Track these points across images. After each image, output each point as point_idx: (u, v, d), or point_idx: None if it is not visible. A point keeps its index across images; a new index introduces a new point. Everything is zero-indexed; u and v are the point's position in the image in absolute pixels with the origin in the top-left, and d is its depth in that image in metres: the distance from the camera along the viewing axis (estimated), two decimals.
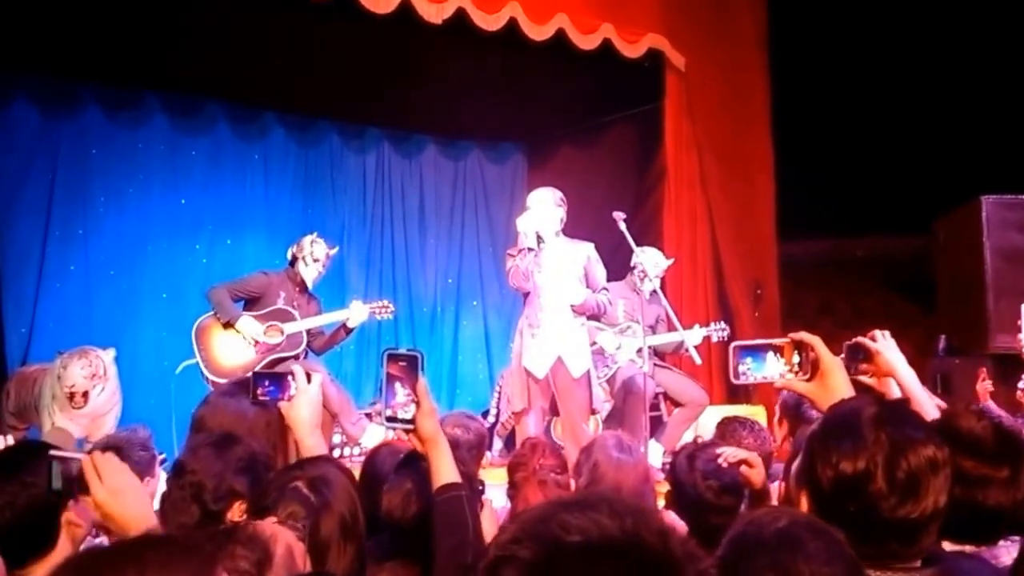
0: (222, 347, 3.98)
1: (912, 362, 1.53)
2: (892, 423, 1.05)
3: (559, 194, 3.57)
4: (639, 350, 3.86)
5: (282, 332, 4.01)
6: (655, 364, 4.14)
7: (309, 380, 1.59)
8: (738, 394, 4.61)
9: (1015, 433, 1.35)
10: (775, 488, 1.76)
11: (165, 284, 5.00)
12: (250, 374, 1.69)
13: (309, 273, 4.07)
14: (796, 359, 1.33)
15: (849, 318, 5.92)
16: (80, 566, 0.73)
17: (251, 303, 4.06)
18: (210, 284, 4.12)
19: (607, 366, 4.17)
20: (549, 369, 3.41)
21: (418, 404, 1.35)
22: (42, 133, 4.76)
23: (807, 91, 5.60)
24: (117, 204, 4.96)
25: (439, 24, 4.16)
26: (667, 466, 3.02)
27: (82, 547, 1.47)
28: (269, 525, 1.12)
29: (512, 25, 4.34)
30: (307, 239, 4.11)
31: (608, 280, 4.35)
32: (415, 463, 1.47)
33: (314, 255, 4.06)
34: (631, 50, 4.75)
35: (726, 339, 4.31)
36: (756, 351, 1.36)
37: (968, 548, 1.26)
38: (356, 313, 4.05)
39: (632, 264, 4.14)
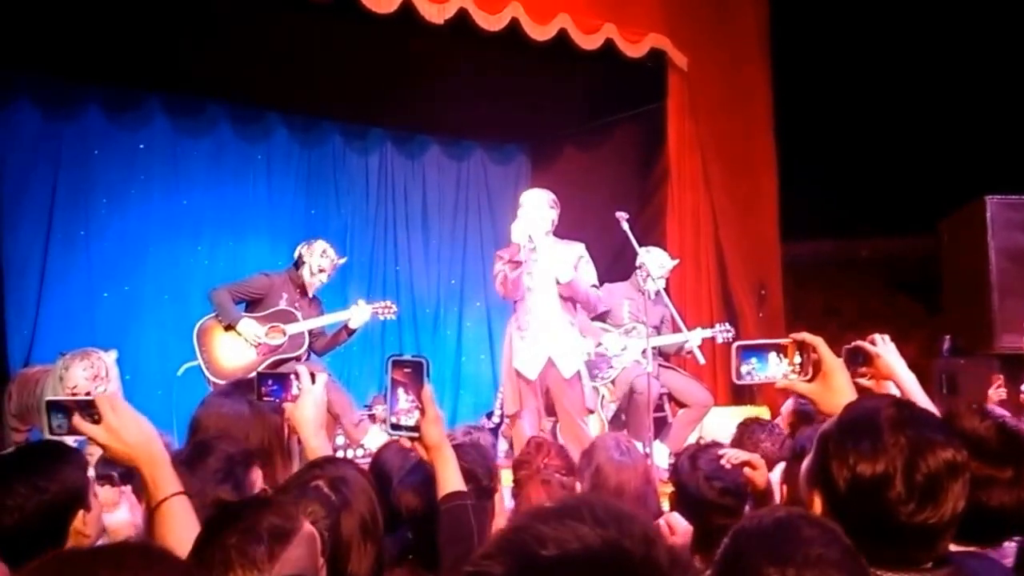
0: (224, 348, 3.97)
1: (917, 362, 1.52)
2: (912, 425, 1.02)
3: (552, 196, 3.56)
4: (643, 351, 3.84)
5: (284, 333, 4.00)
6: (660, 365, 4.12)
7: (313, 380, 1.58)
8: (743, 395, 4.59)
9: (1018, 433, 1.34)
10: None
11: (167, 285, 5.00)
12: (253, 374, 1.68)
13: (311, 282, 4.05)
14: (798, 360, 1.32)
15: (854, 318, 5.90)
16: (61, 564, 0.72)
17: (253, 304, 4.06)
18: (212, 285, 4.11)
19: (611, 367, 4.15)
20: (540, 370, 3.39)
21: (423, 411, 1.34)
22: (44, 134, 4.76)
23: (811, 90, 5.58)
24: (119, 205, 4.96)
25: (441, 24, 4.15)
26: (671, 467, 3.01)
27: None
28: (298, 506, 1.12)
29: (514, 25, 4.33)
30: (318, 247, 4.06)
31: (613, 281, 4.36)
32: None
33: (320, 266, 4.02)
34: (633, 50, 4.75)
35: (731, 340, 4.29)
36: (758, 351, 1.35)
37: (973, 549, 1.24)
38: (358, 314, 4.04)
39: (637, 264, 4.12)
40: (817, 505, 1.06)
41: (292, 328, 4.00)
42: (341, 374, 4.83)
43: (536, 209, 3.47)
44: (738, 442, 2.33)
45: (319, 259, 4.03)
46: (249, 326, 3.94)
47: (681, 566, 0.58)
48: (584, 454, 2.16)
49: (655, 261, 4.13)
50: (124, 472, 1.78)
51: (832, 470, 1.03)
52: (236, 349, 3.97)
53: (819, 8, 5.55)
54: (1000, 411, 1.56)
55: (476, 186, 6.12)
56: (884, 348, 1.49)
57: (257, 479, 1.44)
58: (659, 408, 4.14)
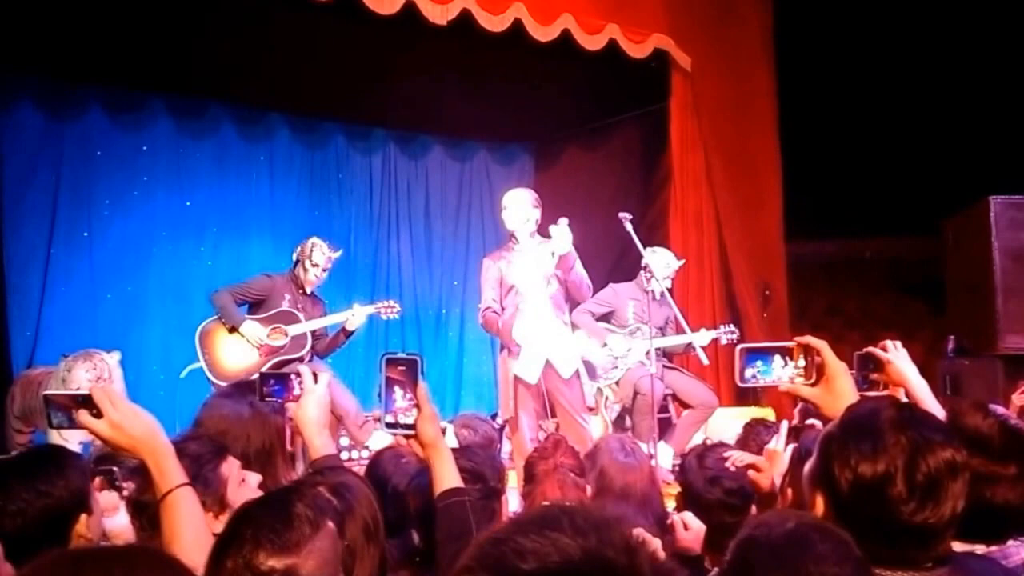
0: (226, 350, 3.97)
1: (921, 363, 1.52)
2: (912, 426, 1.03)
3: (535, 195, 3.56)
4: (648, 352, 3.83)
5: (286, 334, 4.00)
6: (664, 366, 4.11)
7: (316, 380, 1.58)
8: (747, 396, 4.58)
9: (1021, 431, 1.34)
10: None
11: (170, 286, 5.00)
12: (255, 375, 1.68)
13: (308, 278, 4.05)
14: (802, 363, 1.32)
15: (858, 319, 5.89)
16: (75, 560, 0.72)
17: (255, 306, 4.05)
18: (215, 286, 4.11)
19: (615, 367, 4.14)
20: (539, 374, 3.38)
21: (419, 408, 1.33)
22: (47, 135, 4.76)
23: (815, 90, 5.57)
24: (122, 206, 4.96)
25: (444, 25, 4.15)
26: (677, 468, 3.01)
27: None
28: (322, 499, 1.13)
29: (517, 26, 4.33)
30: (308, 242, 4.07)
31: (617, 281, 4.35)
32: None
33: (313, 260, 4.02)
34: (637, 50, 4.74)
35: (735, 341, 4.28)
36: (762, 354, 1.35)
37: (978, 548, 1.25)
38: (356, 316, 4.03)
39: (642, 265, 4.12)
40: (819, 506, 1.07)
41: (294, 329, 4.00)
42: (344, 375, 4.83)
43: (520, 207, 3.45)
44: (743, 443, 2.33)
45: (313, 256, 4.03)
46: (252, 328, 3.94)
47: (663, 574, 0.57)
48: (588, 456, 2.16)
49: (660, 262, 4.12)
50: (130, 467, 1.78)
51: (834, 471, 1.03)
52: (239, 351, 3.96)
53: (823, 7, 5.53)
54: (1003, 410, 1.56)
55: (479, 186, 6.11)
56: (895, 354, 1.49)
57: (229, 470, 1.43)
58: (663, 409, 4.13)
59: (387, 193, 5.87)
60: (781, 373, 1.33)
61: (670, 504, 2.19)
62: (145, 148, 5.06)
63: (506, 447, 4.32)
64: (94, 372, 3.36)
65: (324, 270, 4.08)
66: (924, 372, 1.52)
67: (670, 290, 4.13)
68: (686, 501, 1.90)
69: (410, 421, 1.34)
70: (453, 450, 1.87)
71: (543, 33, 4.42)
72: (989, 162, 5.21)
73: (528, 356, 3.38)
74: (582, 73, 4.89)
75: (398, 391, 1.34)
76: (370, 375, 5.43)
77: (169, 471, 1.17)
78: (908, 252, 6.04)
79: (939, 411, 1.49)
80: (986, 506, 1.24)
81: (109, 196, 4.94)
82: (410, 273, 5.89)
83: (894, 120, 5.70)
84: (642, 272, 4.18)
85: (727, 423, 3.95)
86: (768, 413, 4.08)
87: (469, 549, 0.60)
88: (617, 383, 4.13)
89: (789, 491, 1.73)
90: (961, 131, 5.51)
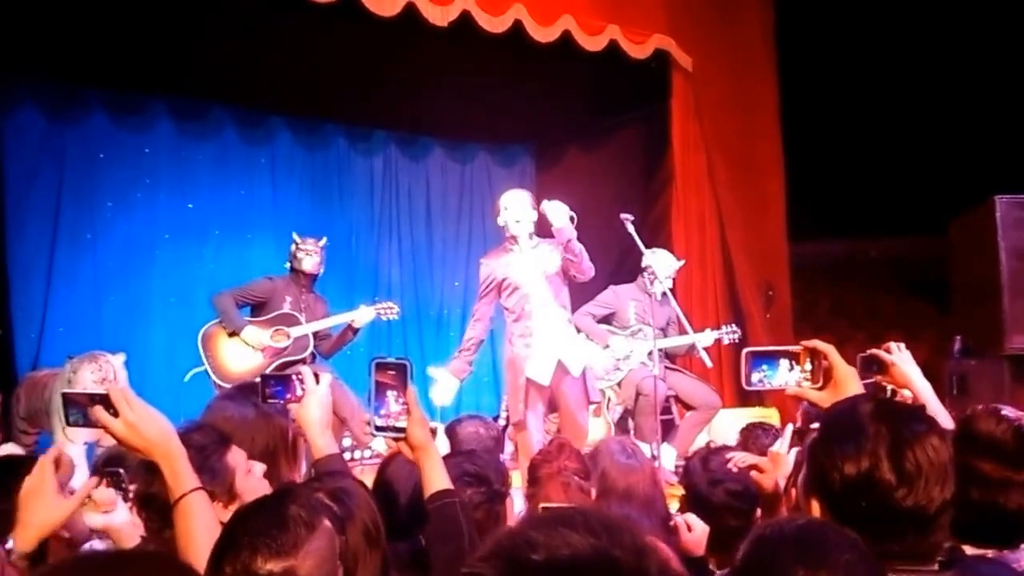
0: (230, 353, 3.98)
1: (927, 363, 1.52)
2: (890, 416, 1.05)
3: (532, 196, 3.54)
4: (650, 353, 3.82)
5: (288, 336, 4.01)
6: (666, 367, 4.10)
7: (317, 381, 1.58)
8: (750, 397, 4.56)
9: None
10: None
11: (173, 288, 5.01)
12: (257, 378, 1.68)
13: (308, 263, 4.07)
14: (809, 367, 1.32)
15: (863, 319, 5.85)
16: (90, 566, 0.72)
17: (257, 308, 4.06)
18: (218, 288, 4.12)
19: (617, 369, 4.13)
20: (552, 374, 3.37)
21: (408, 412, 1.35)
22: (49, 138, 4.78)
23: (817, 90, 5.55)
24: (125, 209, 4.97)
25: (444, 26, 4.15)
26: (680, 470, 3.00)
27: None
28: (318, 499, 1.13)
29: (517, 27, 4.33)
30: (293, 244, 4.15)
31: (619, 282, 4.34)
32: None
33: (304, 248, 4.08)
34: (637, 51, 4.73)
35: (737, 341, 4.26)
36: (769, 358, 1.35)
37: (990, 552, 1.25)
38: (361, 314, 4.05)
39: (643, 266, 4.10)
40: (816, 511, 1.08)
41: (296, 331, 4.01)
42: (347, 377, 4.83)
43: (521, 206, 3.44)
44: (742, 446, 2.33)
45: (303, 244, 4.08)
46: (253, 332, 3.95)
47: None
48: (589, 458, 2.14)
49: (662, 263, 4.11)
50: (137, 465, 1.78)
51: (824, 474, 1.05)
52: (242, 353, 3.97)
53: (826, 7, 5.52)
54: (1016, 413, 1.55)
55: (480, 188, 6.11)
56: (899, 356, 1.49)
57: (235, 459, 1.43)
58: (666, 410, 4.11)
59: (388, 195, 5.87)
60: (788, 377, 1.33)
61: (673, 506, 2.18)
62: (147, 150, 5.07)
63: (507, 448, 4.31)
64: (99, 374, 3.37)
65: (316, 254, 4.11)
66: (930, 372, 1.52)
67: (672, 291, 4.11)
68: (690, 503, 1.89)
69: (402, 425, 1.36)
70: (458, 453, 1.87)
71: (543, 34, 4.42)
72: (994, 161, 5.19)
73: (540, 357, 3.36)
74: (583, 74, 4.89)
75: (391, 395, 1.36)
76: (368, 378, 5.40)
77: (182, 475, 1.18)
78: (913, 252, 6.01)
79: (943, 413, 1.48)
80: (1000, 512, 1.24)
81: (112, 198, 4.95)
82: (411, 274, 5.89)
83: (898, 119, 5.68)
84: (643, 273, 4.17)
85: (730, 424, 3.93)
86: (772, 414, 4.07)
87: (487, 541, 0.63)
88: (619, 384, 4.12)
89: (793, 492, 1.73)
90: (966, 130, 5.49)
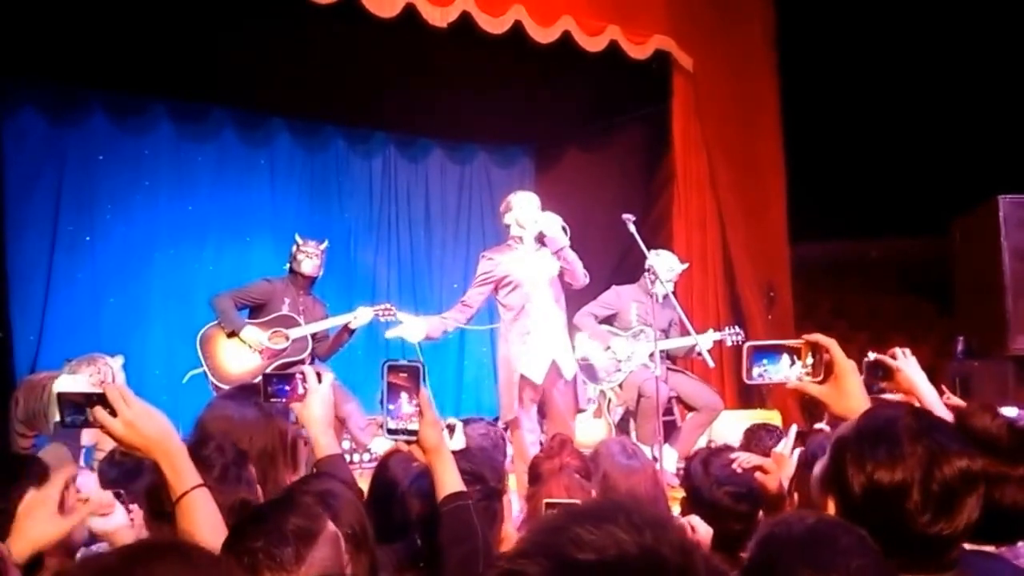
0: (228, 354, 3.97)
1: (930, 364, 1.51)
2: (929, 435, 1.03)
3: (539, 200, 3.55)
4: (652, 354, 3.80)
5: (287, 338, 4.00)
6: (668, 368, 4.08)
7: (319, 380, 1.57)
8: (752, 399, 4.54)
9: None
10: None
11: (173, 290, 5.00)
12: (259, 378, 1.67)
13: (308, 266, 4.06)
14: (810, 361, 1.31)
15: (864, 320, 5.83)
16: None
17: (255, 310, 4.05)
18: (217, 290, 4.10)
19: (619, 370, 4.11)
20: (546, 373, 3.36)
21: (421, 414, 1.34)
22: (49, 140, 4.78)
23: (818, 90, 5.53)
24: (124, 211, 4.97)
25: (444, 27, 4.14)
26: (682, 472, 2.97)
27: (78, 556, 1.44)
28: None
29: (517, 27, 4.32)
30: (294, 246, 4.13)
31: (620, 283, 4.32)
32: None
33: (303, 250, 4.07)
34: (638, 51, 4.72)
35: (740, 342, 4.24)
36: (770, 352, 1.34)
37: (987, 548, 1.25)
38: (360, 316, 4.04)
39: (646, 267, 4.09)
40: (830, 508, 1.06)
41: (294, 332, 4.00)
42: (346, 379, 4.82)
43: (531, 207, 3.44)
44: (745, 448, 2.31)
45: (303, 247, 4.07)
46: (252, 332, 3.94)
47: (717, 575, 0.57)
48: (589, 459, 2.13)
49: (664, 264, 4.09)
50: (133, 474, 1.76)
51: (848, 475, 1.03)
52: (241, 355, 3.96)
53: (827, 7, 5.50)
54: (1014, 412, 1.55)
55: (479, 189, 6.10)
56: (905, 362, 1.49)
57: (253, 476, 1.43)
58: (668, 412, 4.09)
59: (387, 196, 5.86)
60: (789, 371, 1.32)
61: (675, 508, 2.16)
62: (147, 152, 5.07)
63: (508, 451, 4.29)
64: (98, 376, 3.35)
65: (317, 257, 4.10)
66: (933, 374, 1.52)
67: (673, 292, 4.10)
68: (692, 505, 1.87)
69: (415, 427, 1.35)
70: (453, 452, 1.85)
71: (543, 35, 4.40)
72: (997, 160, 5.16)
73: (535, 355, 3.35)
74: (583, 75, 4.87)
75: (404, 397, 1.35)
76: (370, 378, 5.38)
77: (183, 472, 1.16)
78: (915, 252, 5.99)
79: (949, 419, 1.47)
80: (995, 508, 1.22)
81: (111, 201, 4.95)
82: (410, 276, 5.88)
83: (900, 118, 5.66)
84: (645, 274, 4.15)
85: (732, 426, 3.91)
86: (774, 416, 4.04)
87: (525, 535, 0.60)
88: (621, 386, 4.10)
89: (796, 495, 1.71)
90: (968, 129, 5.46)
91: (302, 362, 3.93)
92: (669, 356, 4.19)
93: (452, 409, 5.40)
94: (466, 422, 2.39)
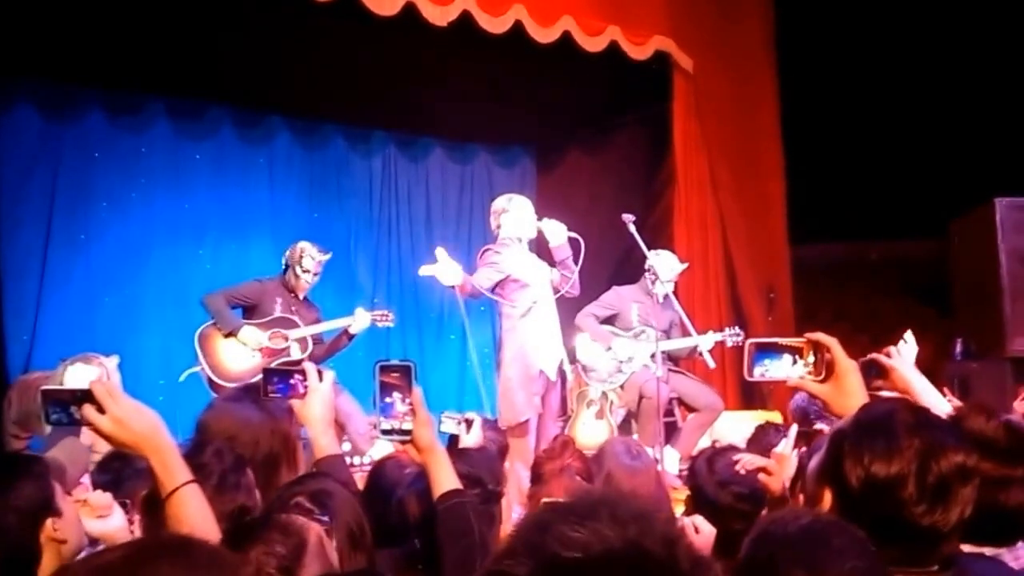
0: (228, 352, 3.93)
1: (929, 366, 1.52)
2: (925, 428, 1.05)
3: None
4: (653, 355, 3.79)
5: (286, 339, 3.97)
6: (669, 369, 4.07)
7: (321, 378, 1.56)
8: (754, 399, 4.54)
9: None
10: None
11: (169, 290, 4.95)
12: (259, 375, 1.65)
13: (300, 284, 4.01)
14: (812, 360, 1.32)
15: (864, 322, 5.83)
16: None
17: (248, 311, 4.02)
18: (214, 290, 4.07)
19: (620, 371, 4.10)
20: (557, 370, 3.37)
21: (414, 413, 1.34)
22: (44, 137, 4.72)
23: (818, 92, 5.54)
24: (120, 209, 4.92)
25: (444, 26, 4.13)
26: (683, 472, 2.96)
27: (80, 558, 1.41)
28: (299, 517, 1.11)
29: (517, 27, 4.31)
30: (297, 248, 4.03)
31: (621, 283, 4.31)
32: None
33: (303, 266, 3.98)
34: (638, 52, 4.72)
35: (740, 343, 4.23)
36: (772, 350, 1.34)
37: (987, 550, 1.26)
38: (359, 320, 4.01)
39: (646, 267, 4.08)
40: (827, 501, 1.07)
41: (293, 334, 3.97)
42: (345, 381, 4.79)
43: (530, 215, 3.45)
44: (754, 447, 2.30)
45: (303, 262, 3.99)
46: (251, 333, 3.91)
47: (703, 566, 0.58)
48: (593, 460, 2.12)
49: (664, 265, 4.08)
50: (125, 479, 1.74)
51: (845, 468, 1.04)
52: (240, 353, 3.93)
53: (826, 9, 5.51)
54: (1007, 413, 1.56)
55: (480, 189, 6.07)
56: (899, 361, 1.50)
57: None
58: (669, 413, 4.08)
59: (387, 196, 5.83)
60: (790, 370, 1.32)
61: (678, 508, 2.15)
62: (143, 150, 5.02)
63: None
64: (92, 376, 3.33)
65: (315, 275, 4.04)
66: (932, 375, 1.54)
67: (674, 293, 4.09)
68: (696, 505, 1.87)
69: (409, 427, 1.34)
70: (450, 453, 1.84)
71: (543, 35, 4.40)
72: (995, 162, 5.17)
73: (547, 351, 3.34)
74: (583, 75, 4.87)
75: (396, 396, 1.35)
76: (371, 382, 5.35)
77: (174, 468, 1.14)
78: (915, 254, 6.00)
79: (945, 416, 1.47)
80: (999, 510, 1.24)
81: (107, 199, 4.90)
82: (411, 276, 5.84)
83: (899, 121, 5.66)
84: (646, 274, 4.14)
85: (733, 426, 3.90)
86: (775, 417, 4.03)
87: (511, 534, 0.60)
88: (622, 387, 4.09)
89: (801, 497, 1.70)
90: (967, 131, 5.48)
91: (300, 363, 3.90)
92: (670, 357, 4.18)
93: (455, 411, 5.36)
94: (482, 417, 2.38)
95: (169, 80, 4.76)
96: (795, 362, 1.32)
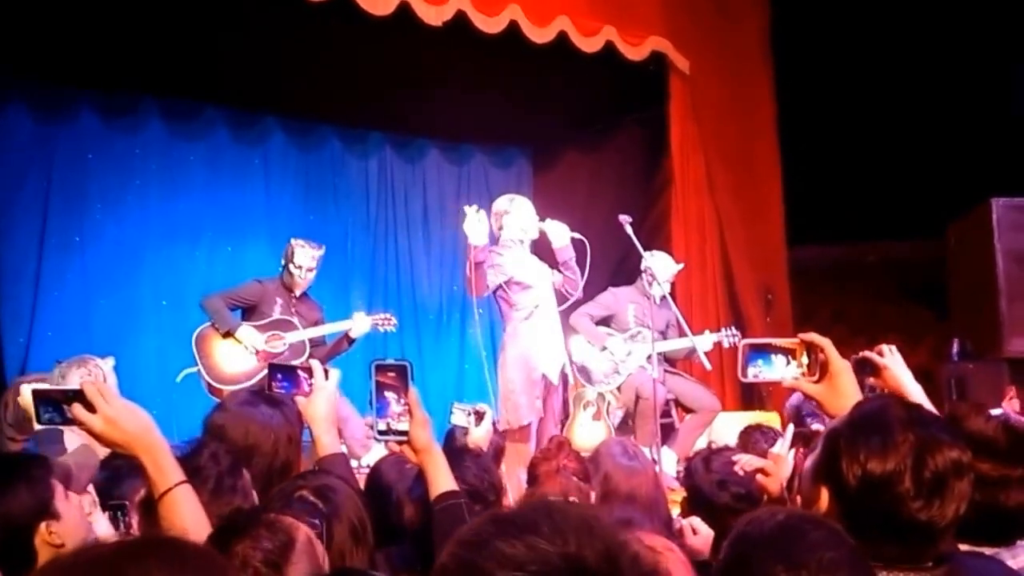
0: (224, 354, 3.92)
1: (926, 367, 1.52)
2: (920, 424, 1.05)
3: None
4: (649, 356, 3.79)
5: (284, 341, 3.96)
6: (666, 370, 4.07)
7: (327, 377, 1.55)
8: (751, 400, 4.54)
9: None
10: None
11: (164, 291, 4.94)
12: (259, 376, 1.64)
13: (296, 281, 3.99)
14: (806, 360, 1.33)
15: (862, 323, 5.84)
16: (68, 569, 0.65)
17: (248, 312, 4.00)
18: (210, 291, 4.05)
19: (616, 372, 4.10)
20: (560, 373, 3.36)
21: (410, 414, 1.34)
22: (38, 139, 4.71)
23: (815, 94, 5.54)
24: (115, 210, 4.91)
25: (439, 26, 4.13)
26: (681, 473, 2.95)
27: None
28: (288, 517, 1.10)
29: (513, 27, 4.31)
30: (289, 246, 4.01)
31: (618, 285, 4.31)
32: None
33: (296, 263, 3.96)
34: (634, 52, 4.72)
35: (736, 344, 4.23)
36: (766, 351, 1.35)
37: (987, 550, 1.26)
38: (358, 324, 4.00)
39: (643, 268, 4.07)
40: (824, 500, 1.07)
41: (291, 336, 3.96)
42: (344, 384, 4.77)
43: (531, 216, 3.44)
44: (741, 449, 2.30)
45: (296, 259, 3.97)
46: (249, 333, 3.89)
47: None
48: (589, 461, 2.11)
49: (660, 265, 4.08)
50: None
51: (842, 466, 1.04)
52: (237, 354, 3.91)
53: (822, 11, 5.52)
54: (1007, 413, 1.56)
55: (477, 190, 6.05)
56: (891, 359, 1.50)
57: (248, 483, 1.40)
58: (666, 414, 4.08)
59: (384, 197, 5.82)
60: (784, 371, 1.33)
61: (675, 510, 2.14)
62: (138, 151, 5.00)
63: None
64: (88, 378, 3.31)
65: (310, 270, 4.02)
66: (929, 376, 1.52)
67: (671, 293, 4.09)
68: (693, 505, 1.86)
69: (404, 427, 1.34)
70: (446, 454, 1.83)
71: (539, 35, 4.39)
72: (992, 163, 5.18)
73: (549, 354, 3.33)
74: (579, 76, 4.86)
75: (391, 397, 1.35)
76: (366, 380, 5.34)
77: (166, 468, 1.14)
78: (913, 256, 6.01)
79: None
80: (999, 510, 1.25)
81: (101, 200, 4.88)
82: (408, 277, 5.84)
83: (896, 122, 5.67)
84: (642, 275, 4.13)
85: (730, 427, 3.89)
86: (772, 418, 4.04)
87: (448, 547, 0.58)
88: (619, 388, 4.08)
89: (799, 499, 1.70)
90: (964, 132, 5.49)
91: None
92: (667, 358, 4.17)
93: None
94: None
95: (163, 81, 4.75)
96: (789, 363, 1.32)
